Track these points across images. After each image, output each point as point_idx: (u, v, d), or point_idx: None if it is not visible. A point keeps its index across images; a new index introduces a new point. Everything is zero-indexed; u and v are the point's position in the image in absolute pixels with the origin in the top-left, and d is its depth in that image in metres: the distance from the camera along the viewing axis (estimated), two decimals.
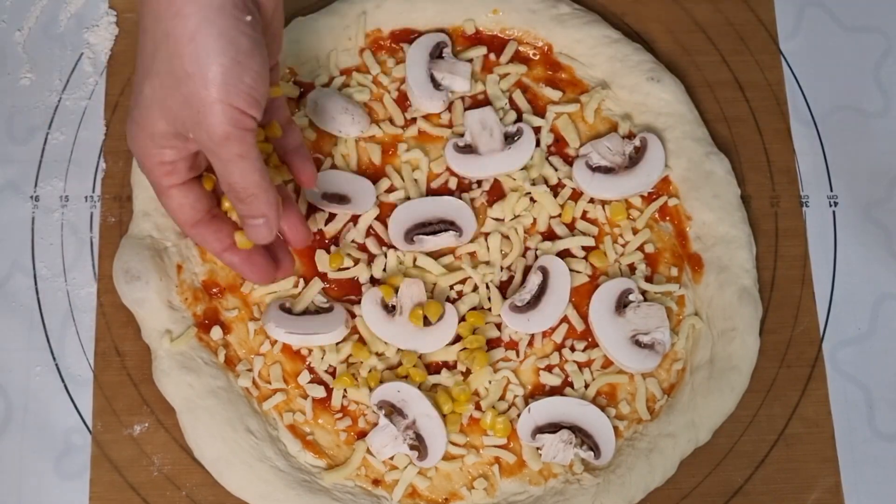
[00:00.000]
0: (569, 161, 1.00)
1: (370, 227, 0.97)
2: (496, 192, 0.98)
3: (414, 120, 1.00)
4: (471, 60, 1.02)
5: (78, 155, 1.00)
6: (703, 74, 1.05)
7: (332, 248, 0.95)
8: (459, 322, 0.93)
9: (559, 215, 0.98)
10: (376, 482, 0.90)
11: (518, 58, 1.03)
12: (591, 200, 0.99)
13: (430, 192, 0.98)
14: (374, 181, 0.97)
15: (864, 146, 1.04)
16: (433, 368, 0.93)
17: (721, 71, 1.05)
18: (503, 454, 0.91)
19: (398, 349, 0.93)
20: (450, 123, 1.01)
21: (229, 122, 0.74)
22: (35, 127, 1.00)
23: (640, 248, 0.97)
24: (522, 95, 1.01)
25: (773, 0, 1.08)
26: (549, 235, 0.97)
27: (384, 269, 0.95)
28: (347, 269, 0.95)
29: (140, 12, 0.77)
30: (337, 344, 0.92)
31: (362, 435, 0.91)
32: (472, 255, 0.96)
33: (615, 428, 0.92)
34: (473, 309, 0.94)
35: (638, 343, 0.93)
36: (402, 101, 1.01)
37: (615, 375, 0.94)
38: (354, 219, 0.97)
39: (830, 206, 1.02)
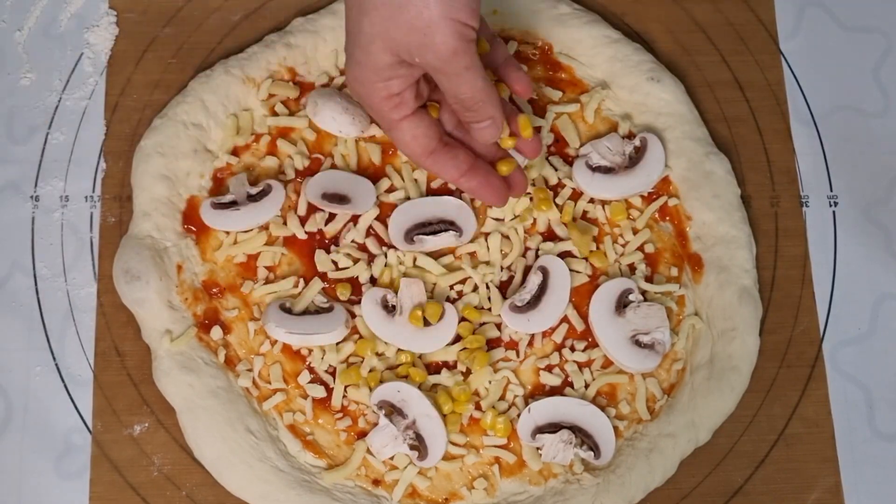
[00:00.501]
0: (569, 161, 1.00)
1: (370, 227, 0.97)
2: None
3: None
4: None
5: (78, 155, 1.00)
6: (703, 74, 1.05)
7: (333, 247, 0.95)
8: (459, 322, 0.93)
9: (559, 217, 0.98)
10: (376, 482, 0.90)
11: (518, 58, 1.03)
12: (591, 200, 0.99)
13: (430, 192, 0.98)
14: (374, 181, 0.97)
15: (864, 146, 1.04)
16: (433, 368, 0.93)
17: (721, 71, 1.05)
18: (503, 454, 0.91)
19: (398, 349, 0.93)
20: None
21: (455, 37, 0.77)
22: (35, 127, 1.00)
23: (640, 248, 0.97)
24: None
25: (773, 0, 1.08)
26: (549, 236, 0.97)
27: (385, 265, 0.95)
28: (346, 268, 0.95)
29: None
30: (337, 344, 0.92)
31: (362, 435, 0.91)
32: (472, 254, 0.96)
33: (615, 428, 0.92)
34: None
35: (638, 343, 0.93)
36: None
37: (615, 375, 0.94)
38: (354, 219, 0.97)
39: (830, 206, 1.02)
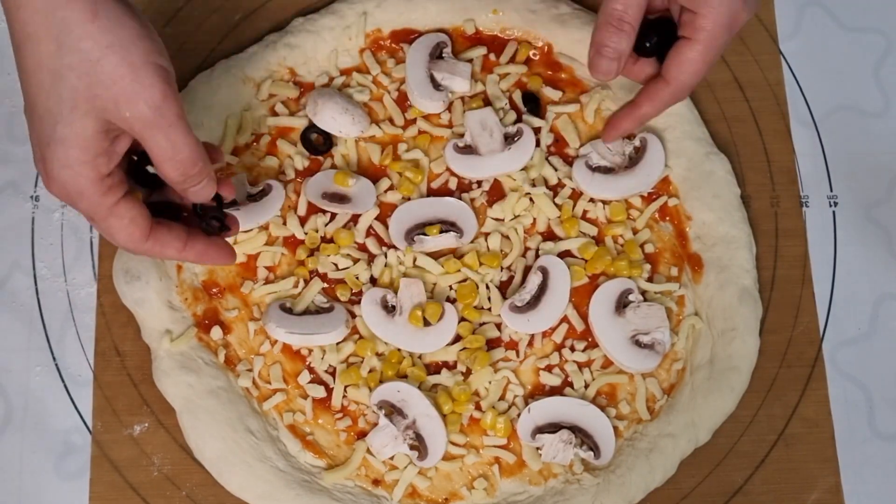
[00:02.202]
0: (569, 161, 1.00)
1: (370, 227, 0.97)
2: (496, 193, 0.98)
3: (414, 120, 1.00)
4: (471, 60, 1.02)
5: None
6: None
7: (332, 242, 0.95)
8: (459, 322, 0.93)
9: (559, 216, 0.98)
10: (376, 482, 0.90)
11: (518, 58, 1.03)
12: (591, 200, 0.99)
13: (431, 193, 0.99)
14: (374, 181, 0.98)
15: (864, 146, 1.04)
16: (433, 368, 0.93)
17: (721, 71, 1.05)
18: (503, 454, 0.91)
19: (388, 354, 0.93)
20: (450, 123, 1.01)
21: (163, 80, 0.71)
22: None
23: (640, 248, 0.97)
24: (522, 95, 1.01)
25: (773, 0, 1.08)
26: (549, 236, 0.97)
27: (385, 265, 0.95)
28: (346, 268, 0.95)
29: (17, 27, 0.71)
30: (337, 344, 0.92)
31: (362, 435, 0.91)
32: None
33: (615, 428, 0.92)
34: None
35: (638, 343, 0.93)
36: (402, 101, 1.01)
37: (615, 375, 0.94)
38: (354, 218, 0.97)
39: (830, 206, 1.02)
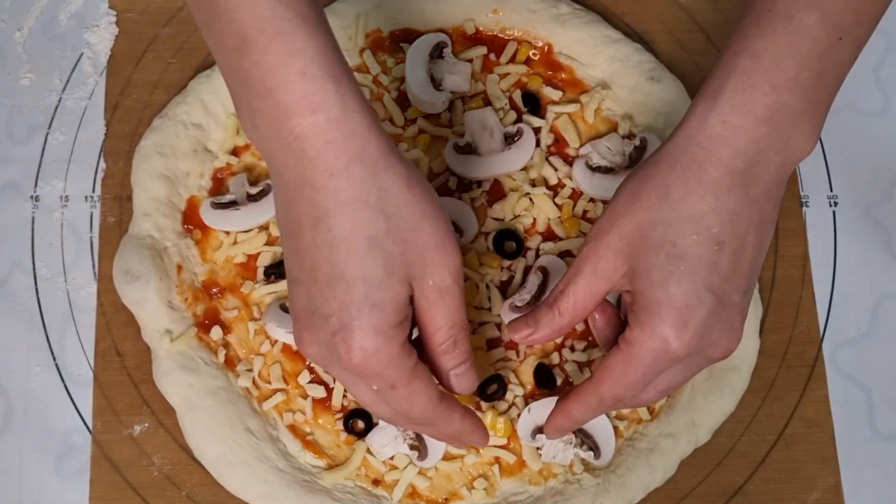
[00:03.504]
0: (569, 161, 1.00)
1: None
2: (496, 192, 0.98)
3: (414, 120, 1.00)
4: (471, 60, 1.02)
5: (78, 155, 1.00)
6: (703, 74, 1.02)
7: None
8: None
9: (559, 216, 0.98)
10: (376, 482, 0.90)
11: (518, 57, 1.03)
12: (591, 200, 0.99)
13: None
14: None
15: (864, 146, 1.04)
16: None
17: None
18: (503, 454, 0.91)
19: None
20: (450, 123, 1.01)
21: (458, 249, 0.72)
22: (35, 127, 1.00)
23: None
24: (522, 95, 1.01)
25: None
26: (549, 236, 0.98)
27: None
28: None
29: (325, 195, 0.69)
30: None
31: (362, 434, 0.91)
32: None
33: (615, 428, 0.92)
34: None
35: None
36: (402, 101, 1.01)
37: None
38: None
39: (830, 206, 1.02)
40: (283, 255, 0.74)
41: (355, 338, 0.69)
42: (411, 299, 0.72)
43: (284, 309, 0.92)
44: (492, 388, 0.91)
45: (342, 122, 0.68)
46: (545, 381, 0.93)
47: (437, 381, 0.76)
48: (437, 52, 1.01)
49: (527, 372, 0.94)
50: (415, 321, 0.74)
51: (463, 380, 0.77)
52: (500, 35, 1.04)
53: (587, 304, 0.76)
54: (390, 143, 0.71)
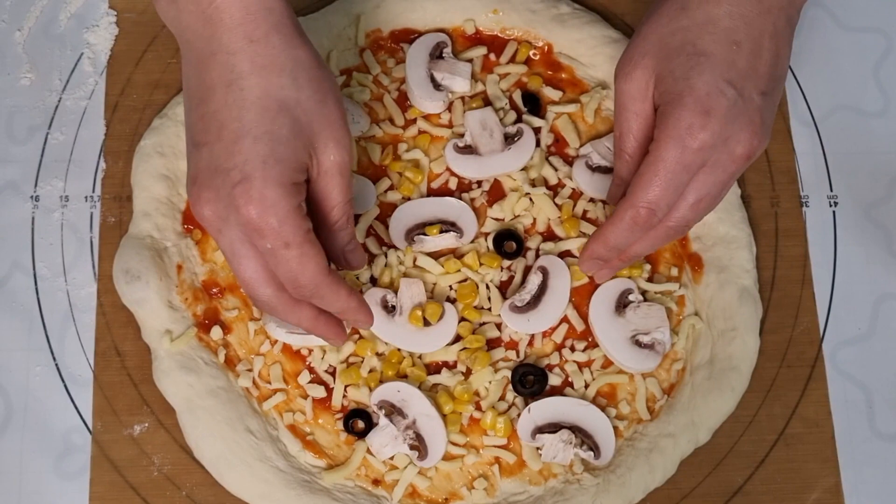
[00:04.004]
0: (569, 161, 1.00)
1: (370, 226, 0.97)
2: (496, 193, 0.98)
3: (414, 120, 1.00)
4: (471, 60, 1.02)
5: (78, 155, 1.00)
6: None
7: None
8: (459, 322, 0.93)
9: (559, 216, 0.98)
10: (376, 482, 0.90)
11: (518, 57, 1.03)
12: (591, 200, 0.99)
13: (431, 193, 0.99)
14: (374, 181, 0.98)
15: (864, 146, 1.04)
16: (433, 368, 0.93)
17: None
18: (503, 454, 0.91)
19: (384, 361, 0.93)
20: (450, 123, 1.01)
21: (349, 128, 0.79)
22: (35, 127, 1.00)
23: None
24: (522, 95, 1.01)
25: None
26: (549, 236, 0.98)
27: (385, 265, 0.95)
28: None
29: (246, 58, 0.74)
30: None
31: (362, 434, 0.91)
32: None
33: (615, 428, 0.92)
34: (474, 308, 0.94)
35: (638, 343, 0.93)
36: (402, 101, 1.01)
37: (615, 375, 0.94)
38: (355, 218, 0.97)
39: (830, 206, 1.02)
40: (186, 126, 0.77)
41: (256, 187, 0.72)
42: (308, 174, 0.76)
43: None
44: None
45: None
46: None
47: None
48: (437, 52, 1.01)
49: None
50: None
51: (356, 255, 0.84)
52: (500, 35, 1.04)
53: (643, 132, 0.81)
54: (300, 26, 0.77)
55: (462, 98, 1.01)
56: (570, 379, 0.94)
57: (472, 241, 0.97)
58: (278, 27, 0.75)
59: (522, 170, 0.98)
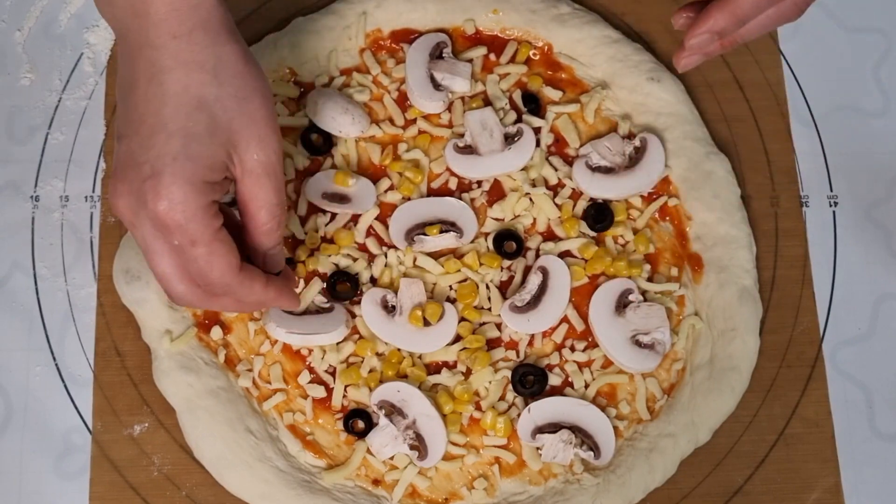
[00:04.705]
0: (569, 161, 1.00)
1: (370, 227, 0.97)
2: (496, 193, 0.98)
3: (414, 120, 1.00)
4: (471, 60, 1.02)
5: (78, 155, 1.00)
6: (703, 74, 1.05)
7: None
8: (459, 322, 0.93)
9: (559, 216, 0.98)
10: (376, 482, 0.90)
11: (518, 58, 1.03)
12: (592, 200, 0.99)
13: (431, 193, 0.99)
14: (374, 181, 0.98)
15: (864, 146, 1.04)
16: (433, 368, 0.93)
17: (721, 71, 1.05)
18: (503, 454, 0.91)
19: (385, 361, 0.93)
20: (450, 123, 1.01)
21: (279, 129, 0.77)
22: (35, 127, 1.00)
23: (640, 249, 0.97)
24: (522, 95, 1.01)
25: None
26: (549, 236, 0.97)
27: (385, 265, 0.95)
28: (346, 267, 0.95)
29: (167, 54, 0.74)
30: (337, 344, 0.92)
31: (362, 434, 0.91)
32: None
33: (615, 428, 0.92)
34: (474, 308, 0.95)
35: (638, 343, 0.93)
36: (402, 101, 1.01)
37: (615, 375, 0.94)
38: (355, 218, 0.97)
39: (830, 206, 1.02)
40: (115, 119, 0.78)
41: (164, 184, 0.72)
42: (230, 174, 0.76)
43: (285, 309, 0.92)
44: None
45: None
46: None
47: (238, 255, 0.78)
48: (437, 52, 1.01)
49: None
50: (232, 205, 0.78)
51: (277, 259, 0.83)
52: (500, 35, 1.04)
53: None
54: (232, 24, 0.77)
55: (462, 98, 1.01)
56: (570, 379, 0.94)
57: (472, 241, 0.97)
58: (204, 24, 0.74)
59: (522, 170, 0.98)
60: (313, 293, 0.94)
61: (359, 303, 0.93)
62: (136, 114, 0.74)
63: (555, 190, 0.99)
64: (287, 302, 0.85)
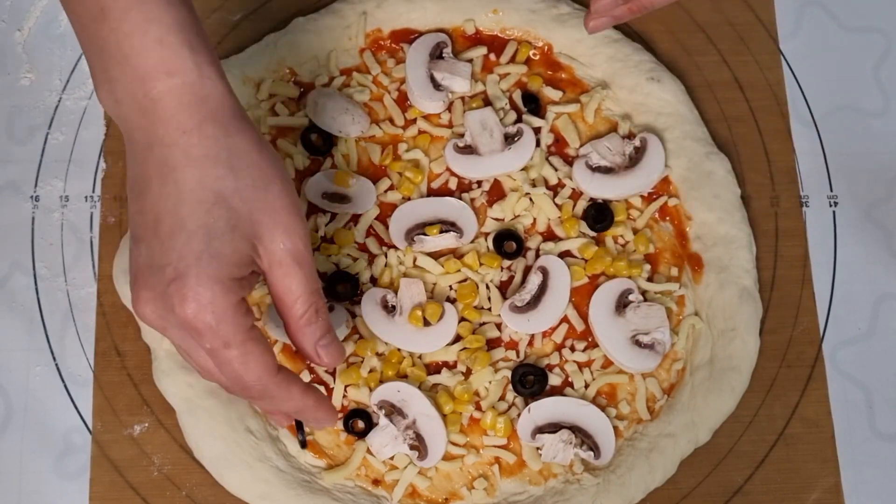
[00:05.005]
0: (569, 161, 1.00)
1: (370, 226, 0.97)
2: (496, 192, 0.98)
3: (414, 120, 1.00)
4: (471, 60, 1.02)
5: (78, 155, 1.00)
6: (703, 74, 1.05)
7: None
8: (459, 322, 0.93)
9: (559, 216, 0.98)
10: (376, 482, 0.90)
11: (518, 58, 1.03)
12: (591, 200, 0.99)
13: (431, 193, 0.99)
14: (374, 181, 0.98)
15: (864, 146, 1.04)
16: (433, 368, 0.93)
17: (721, 71, 1.05)
18: (503, 454, 0.91)
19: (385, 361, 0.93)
20: (450, 123, 1.01)
21: (304, 217, 0.74)
22: (35, 127, 1.00)
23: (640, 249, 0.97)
24: (522, 95, 1.01)
25: (773, 0, 1.08)
26: (549, 236, 0.98)
27: (385, 265, 0.95)
28: (346, 267, 0.95)
29: (178, 151, 0.70)
30: None
31: (362, 434, 0.91)
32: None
33: (615, 428, 0.92)
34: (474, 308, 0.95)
35: (638, 343, 0.93)
36: (402, 101, 1.01)
37: (615, 375, 0.94)
38: (355, 218, 0.97)
39: (830, 206, 1.02)
40: (128, 221, 0.74)
41: (189, 285, 0.69)
42: (258, 267, 0.73)
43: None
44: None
45: (197, 86, 0.71)
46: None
47: (275, 354, 0.76)
48: (437, 52, 1.01)
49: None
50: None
51: (331, 350, 0.77)
52: (500, 35, 1.04)
53: None
54: (242, 110, 0.74)
55: (462, 98, 1.01)
56: (570, 379, 0.94)
57: (472, 241, 0.97)
58: (213, 115, 0.71)
59: (522, 170, 0.98)
60: None
61: (359, 303, 0.93)
62: (152, 215, 0.71)
63: (555, 190, 0.99)
64: (326, 414, 0.80)
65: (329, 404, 0.81)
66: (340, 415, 0.91)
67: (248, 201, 0.71)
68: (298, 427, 0.85)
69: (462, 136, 0.99)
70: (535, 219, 0.98)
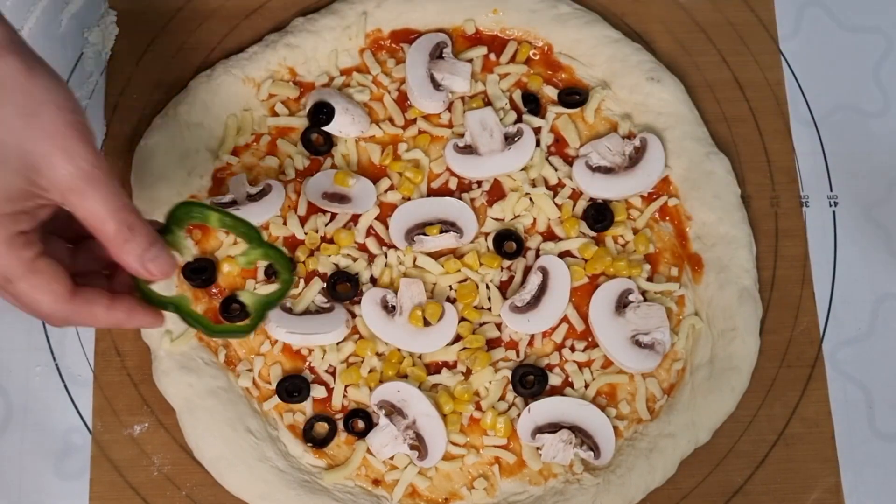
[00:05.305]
0: (569, 161, 1.00)
1: (370, 226, 0.97)
2: (496, 192, 0.98)
3: (414, 120, 1.00)
4: (471, 60, 1.02)
5: None
6: (703, 74, 1.05)
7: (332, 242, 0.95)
8: (459, 322, 0.93)
9: (559, 216, 0.98)
10: (376, 482, 0.90)
11: (518, 58, 1.03)
12: (591, 200, 0.99)
13: (431, 193, 0.99)
14: (374, 181, 0.98)
15: (864, 146, 1.04)
16: (433, 368, 0.93)
17: (721, 71, 1.05)
18: (503, 454, 0.91)
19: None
20: (450, 123, 1.01)
21: (92, 140, 0.68)
22: None
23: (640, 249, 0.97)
24: (522, 95, 1.01)
25: (773, 0, 1.08)
26: (549, 236, 0.98)
27: (385, 265, 0.95)
28: (346, 267, 0.95)
29: None
30: (337, 344, 0.92)
31: (362, 434, 0.91)
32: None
33: (615, 428, 0.92)
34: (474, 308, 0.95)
35: (638, 343, 0.93)
36: (402, 101, 1.01)
37: (615, 375, 0.94)
38: (355, 218, 0.97)
39: (830, 206, 1.02)
40: None
41: None
42: (46, 199, 0.68)
43: (285, 309, 0.92)
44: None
45: None
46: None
47: (68, 274, 0.71)
48: (437, 52, 1.01)
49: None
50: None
51: (160, 262, 0.72)
52: (500, 35, 1.04)
53: None
54: (14, 34, 0.68)
55: (462, 98, 1.01)
56: (570, 379, 0.94)
57: (472, 241, 0.97)
58: None
59: (522, 170, 0.98)
60: (313, 293, 0.94)
61: (359, 303, 0.93)
62: None
63: (555, 190, 0.99)
64: (141, 320, 0.75)
65: (144, 309, 0.75)
66: (340, 415, 0.91)
67: (13, 131, 0.66)
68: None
69: (462, 136, 0.99)
70: (535, 219, 0.98)
